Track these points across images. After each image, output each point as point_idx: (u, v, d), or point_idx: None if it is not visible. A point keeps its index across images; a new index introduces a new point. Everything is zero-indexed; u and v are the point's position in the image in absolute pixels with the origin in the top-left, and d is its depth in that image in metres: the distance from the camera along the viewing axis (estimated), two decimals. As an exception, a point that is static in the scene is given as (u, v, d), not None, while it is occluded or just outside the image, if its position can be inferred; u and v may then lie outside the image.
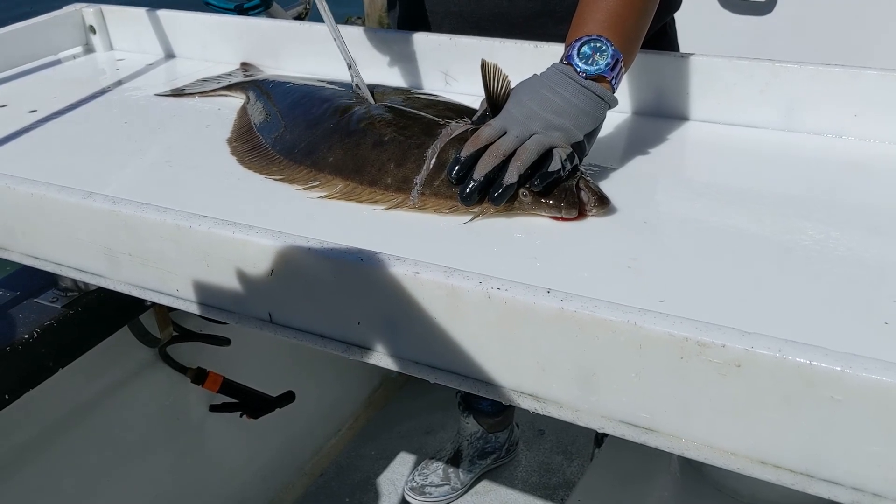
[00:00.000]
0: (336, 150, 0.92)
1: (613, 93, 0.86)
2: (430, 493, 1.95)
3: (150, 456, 1.62)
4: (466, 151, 0.82)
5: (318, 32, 1.27)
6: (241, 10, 1.34)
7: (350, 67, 1.07)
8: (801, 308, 0.66)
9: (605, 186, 0.89)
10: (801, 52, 0.98)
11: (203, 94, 1.22)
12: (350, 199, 0.88)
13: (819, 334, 0.61)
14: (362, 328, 0.71)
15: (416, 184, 0.86)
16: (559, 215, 0.80)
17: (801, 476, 0.54)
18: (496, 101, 0.87)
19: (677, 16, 1.31)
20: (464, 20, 1.22)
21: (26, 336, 1.23)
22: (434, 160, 0.86)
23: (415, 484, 1.97)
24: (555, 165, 0.79)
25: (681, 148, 0.99)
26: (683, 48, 1.30)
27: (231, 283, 0.76)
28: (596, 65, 0.85)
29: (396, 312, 0.68)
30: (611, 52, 0.85)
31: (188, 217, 0.75)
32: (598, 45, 0.86)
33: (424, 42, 1.19)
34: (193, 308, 0.81)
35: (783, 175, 0.91)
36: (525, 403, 0.64)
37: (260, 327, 0.76)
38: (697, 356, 0.54)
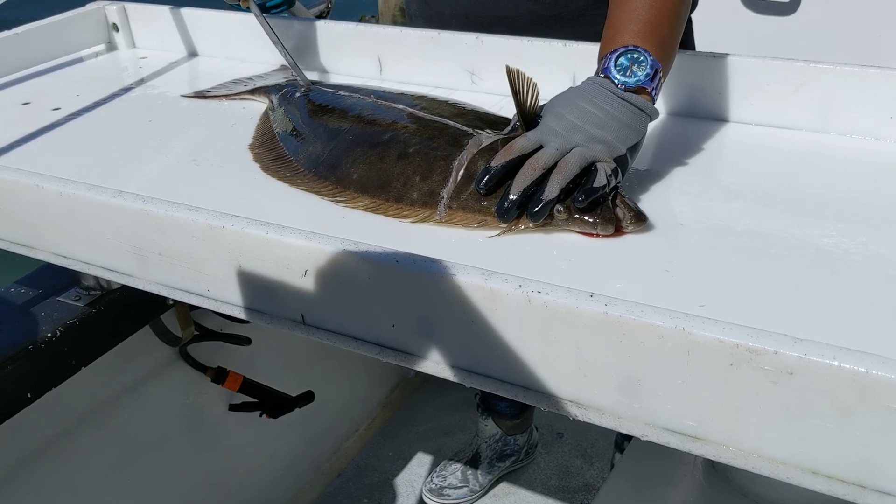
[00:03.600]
0: (360, 165, 0.90)
1: (654, 104, 0.84)
2: (449, 495, 1.94)
3: (170, 454, 1.62)
4: (498, 161, 0.79)
5: (341, 30, 1.27)
6: (263, 9, 1.33)
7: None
8: (845, 313, 0.65)
9: (639, 188, 0.87)
10: (825, 54, 0.97)
11: (228, 97, 1.21)
12: (376, 214, 0.85)
13: (866, 341, 0.59)
14: (397, 331, 0.70)
15: (443, 197, 0.82)
16: (594, 232, 0.77)
17: (854, 487, 0.53)
18: (527, 112, 0.83)
19: (698, 16, 1.30)
20: (469, 22, 1.22)
21: (49, 334, 1.23)
22: (462, 172, 0.83)
23: (433, 485, 1.96)
24: (600, 181, 0.75)
25: (714, 149, 0.97)
26: (705, 49, 1.29)
27: (263, 283, 0.75)
28: (635, 76, 0.82)
29: (433, 315, 0.67)
30: (649, 62, 0.82)
31: (220, 217, 0.74)
32: (636, 55, 0.83)
33: (451, 41, 1.17)
34: (224, 308, 0.80)
35: (819, 177, 0.89)
36: (565, 409, 0.63)
37: (292, 329, 0.75)
38: (748, 363, 0.53)
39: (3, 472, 1.30)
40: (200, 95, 1.23)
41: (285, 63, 1.31)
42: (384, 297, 0.69)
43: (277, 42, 1.20)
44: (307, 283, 0.72)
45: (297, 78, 1.18)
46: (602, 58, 0.85)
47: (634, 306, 0.57)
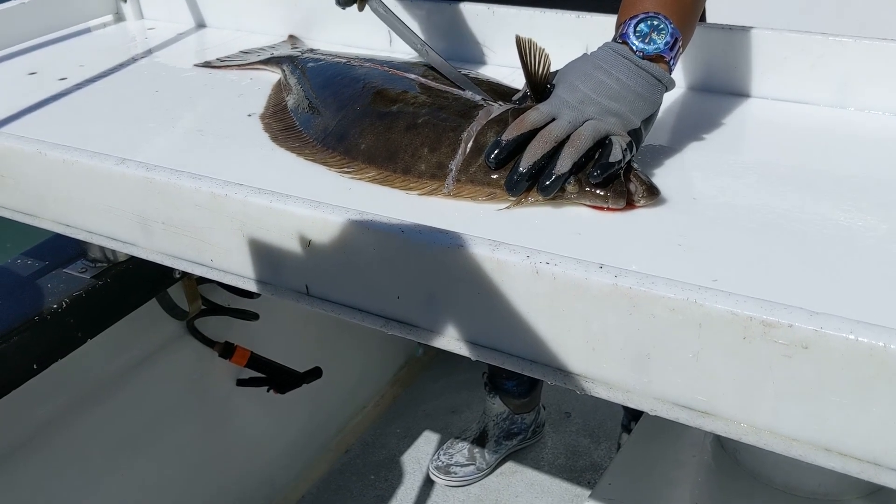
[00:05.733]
0: (367, 136, 0.88)
1: (671, 74, 0.81)
2: (456, 473, 1.94)
3: (177, 429, 1.62)
4: (509, 135, 0.77)
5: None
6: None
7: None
8: (862, 289, 0.63)
9: (653, 163, 0.86)
10: (843, 31, 0.96)
11: (240, 66, 1.19)
12: (383, 186, 0.83)
13: (883, 316, 0.58)
14: (402, 302, 0.68)
15: (452, 169, 0.81)
16: (605, 205, 0.75)
17: (869, 464, 0.52)
18: (537, 82, 0.81)
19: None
20: None
21: (55, 306, 1.22)
22: (471, 144, 0.81)
23: (440, 463, 1.96)
24: (615, 156, 0.73)
25: (729, 124, 0.95)
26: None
27: (267, 253, 0.73)
28: (654, 43, 0.80)
29: (438, 287, 0.66)
30: (670, 29, 0.80)
31: (224, 185, 0.73)
32: (656, 22, 0.80)
33: (462, 12, 1.15)
34: (227, 279, 0.79)
35: (837, 153, 0.87)
36: (573, 383, 0.62)
37: (296, 300, 0.74)
38: (762, 337, 0.51)
39: (8, 441, 1.30)
40: (214, 65, 1.21)
41: (294, 34, 1.29)
42: (389, 269, 0.68)
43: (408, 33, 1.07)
44: (311, 254, 0.71)
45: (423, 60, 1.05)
46: (620, 24, 0.83)
47: (645, 278, 0.55)
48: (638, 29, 0.80)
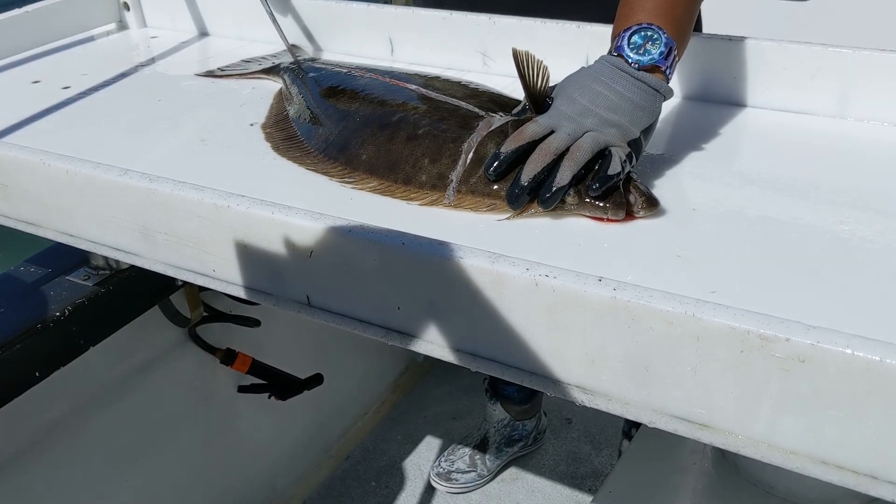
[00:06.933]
0: (369, 146, 0.89)
1: (668, 83, 0.82)
2: (457, 479, 1.94)
3: (179, 435, 1.62)
4: (507, 147, 0.77)
5: (354, 11, 1.25)
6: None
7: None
8: (860, 302, 0.63)
9: (652, 173, 0.86)
10: (842, 42, 0.96)
11: (242, 75, 1.20)
12: (384, 196, 0.84)
13: (880, 330, 0.58)
14: (402, 314, 0.69)
15: (452, 180, 0.81)
16: (605, 216, 0.75)
17: (865, 477, 0.52)
18: (536, 95, 0.81)
19: (713, 1, 1.27)
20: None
21: (57, 314, 1.23)
22: (471, 155, 0.82)
23: (441, 469, 1.96)
24: (615, 168, 0.74)
25: (729, 134, 0.96)
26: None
27: (269, 264, 0.74)
28: (649, 54, 0.80)
29: (438, 298, 0.66)
30: (664, 40, 0.81)
31: (226, 196, 0.74)
32: (650, 33, 0.81)
33: (463, 22, 1.16)
34: (230, 289, 0.79)
35: (836, 163, 0.87)
36: (572, 395, 0.62)
37: (297, 310, 0.75)
38: (759, 350, 0.51)
39: (11, 449, 1.30)
40: (214, 74, 1.22)
41: (296, 43, 1.30)
42: (390, 280, 0.68)
43: (272, 18, 1.22)
44: (313, 265, 0.71)
45: (294, 56, 1.21)
46: (615, 36, 0.83)
47: (643, 291, 0.56)
48: (632, 41, 0.81)
